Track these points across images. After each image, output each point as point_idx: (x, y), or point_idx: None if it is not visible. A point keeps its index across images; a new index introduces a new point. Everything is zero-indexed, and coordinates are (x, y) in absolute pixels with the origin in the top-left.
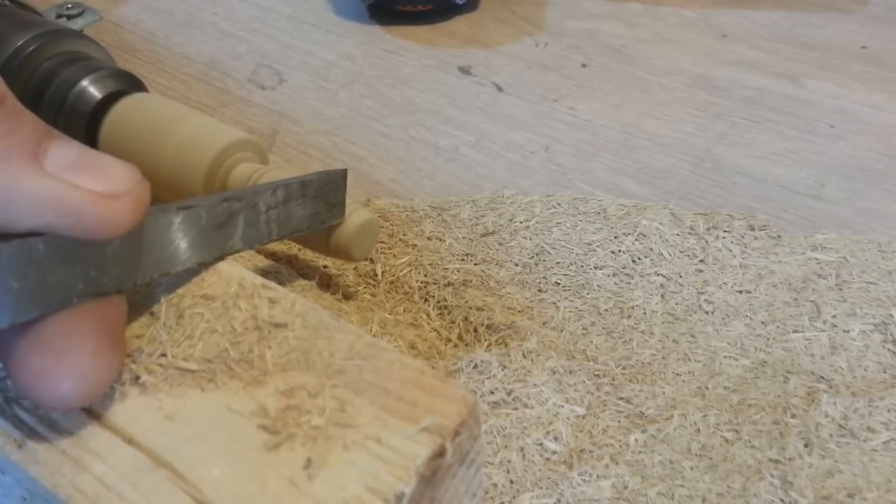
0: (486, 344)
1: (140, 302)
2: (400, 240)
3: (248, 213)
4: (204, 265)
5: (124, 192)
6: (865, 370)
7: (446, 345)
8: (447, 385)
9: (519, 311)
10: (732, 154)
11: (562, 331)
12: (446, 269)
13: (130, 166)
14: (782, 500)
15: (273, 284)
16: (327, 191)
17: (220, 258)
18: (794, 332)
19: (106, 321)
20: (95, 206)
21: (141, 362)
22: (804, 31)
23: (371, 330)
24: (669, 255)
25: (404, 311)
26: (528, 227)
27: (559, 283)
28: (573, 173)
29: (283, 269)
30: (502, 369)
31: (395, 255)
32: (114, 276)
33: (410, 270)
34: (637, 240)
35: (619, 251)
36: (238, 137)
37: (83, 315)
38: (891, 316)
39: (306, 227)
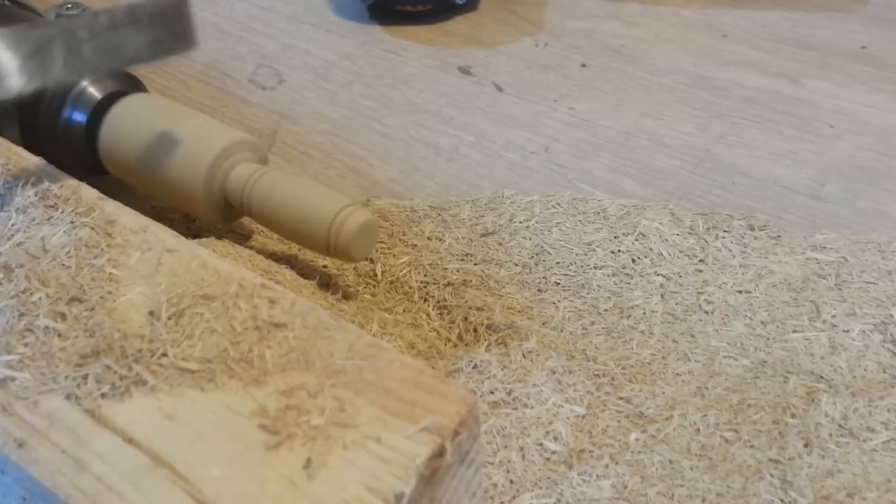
0: (485, 344)
1: (140, 301)
2: (400, 240)
3: (66, 39)
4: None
5: None
6: (865, 370)
7: (446, 345)
8: (447, 385)
9: (519, 311)
10: (732, 154)
11: (561, 331)
12: (446, 269)
13: None
14: (782, 500)
15: (273, 284)
16: (165, 17)
17: (45, 85)
18: (794, 331)
19: None
20: None
21: (141, 362)
22: (804, 31)
23: (371, 330)
24: (669, 254)
25: (404, 311)
26: (527, 227)
27: (559, 283)
28: (573, 173)
29: (283, 269)
30: (502, 369)
31: (394, 255)
32: None
33: (410, 270)
34: (637, 240)
35: (619, 251)
36: (238, 137)
37: None
38: (890, 316)
39: (149, 56)
